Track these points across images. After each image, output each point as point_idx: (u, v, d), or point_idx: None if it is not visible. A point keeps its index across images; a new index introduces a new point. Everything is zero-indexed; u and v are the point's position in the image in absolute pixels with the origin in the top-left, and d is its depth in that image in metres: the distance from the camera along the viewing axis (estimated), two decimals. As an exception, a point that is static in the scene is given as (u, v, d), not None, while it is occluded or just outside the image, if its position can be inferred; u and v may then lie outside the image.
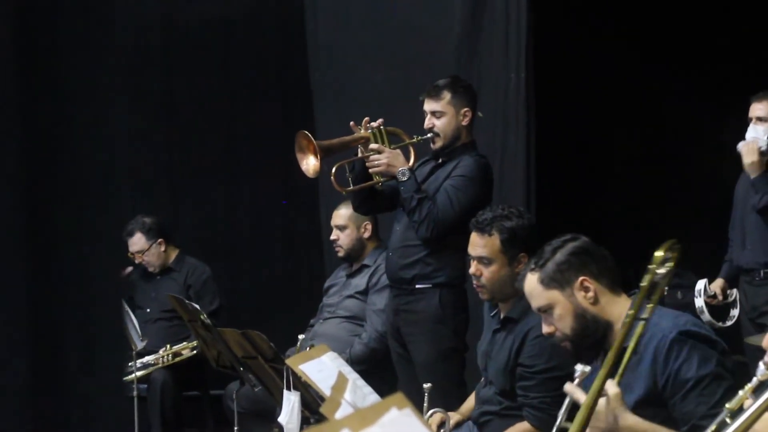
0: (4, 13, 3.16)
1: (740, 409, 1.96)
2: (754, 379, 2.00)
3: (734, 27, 6.32)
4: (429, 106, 4.31)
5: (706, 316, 4.90)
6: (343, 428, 1.18)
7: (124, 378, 5.01)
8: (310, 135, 4.19)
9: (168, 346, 5.48)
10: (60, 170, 6.51)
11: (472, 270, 3.46)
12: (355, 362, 4.32)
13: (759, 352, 4.34)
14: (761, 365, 2.03)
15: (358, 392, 2.79)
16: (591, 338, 2.65)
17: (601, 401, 2.31)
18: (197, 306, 4.46)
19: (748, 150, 4.70)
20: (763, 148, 4.69)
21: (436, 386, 3.52)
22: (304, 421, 3.07)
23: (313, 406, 3.08)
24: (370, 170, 4.22)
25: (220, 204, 6.79)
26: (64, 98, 6.74)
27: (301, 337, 4.47)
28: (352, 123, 4.31)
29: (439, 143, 4.31)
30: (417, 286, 4.27)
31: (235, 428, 4.80)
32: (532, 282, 2.71)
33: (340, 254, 5.21)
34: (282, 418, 2.97)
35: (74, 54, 6.59)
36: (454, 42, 5.50)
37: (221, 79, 6.76)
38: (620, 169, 6.60)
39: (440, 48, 5.62)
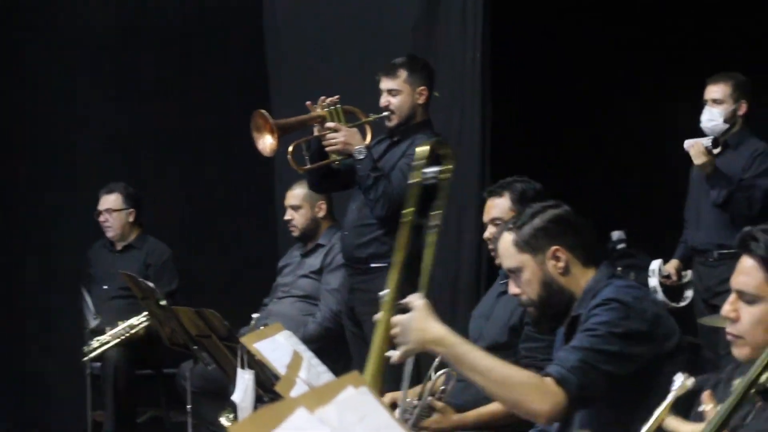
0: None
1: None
2: (670, 396, 2.00)
3: (688, 10, 6.36)
4: (385, 84, 4.30)
5: (660, 296, 4.94)
6: (298, 407, 1.18)
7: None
8: (266, 114, 4.16)
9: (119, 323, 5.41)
10: (20, 152, 6.47)
11: (486, 235, 3.46)
12: (309, 341, 4.29)
13: (712, 333, 4.42)
14: (677, 378, 2.04)
15: (313, 371, 2.79)
16: (554, 308, 2.66)
17: (408, 315, 2.39)
18: (150, 284, 4.42)
19: (695, 152, 4.72)
20: (709, 146, 4.73)
21: (390, 366, 3.51)
22: (258, 400, 3.05)
23: (267, 384, 3.06)
24: (327, 149, 4.21)
25: (176, 184, 6.72)
26: (27, 80, 6.68)
27: (255, 316, 4.46)
28: (308, 102, 4.29)
29: (394, 121, 4.30)
30: (372, 265, 4.27)
31: (188, 406, 4.78)
32: (506, 241, 2.72)
33: (295, 234, 5.20)
34: (236, 397, 2.95)
35: (36, 38, 6.53)
36: (411, 22, 5.49)
37: (179, 61, 6.69)
38: (574, 151, 6.62)
39: (397, 28, 5.61)
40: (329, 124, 4.17)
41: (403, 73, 4.27)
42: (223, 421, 3.88)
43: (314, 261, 5.10)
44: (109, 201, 5.72)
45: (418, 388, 3.23)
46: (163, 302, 4.07)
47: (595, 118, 6.77)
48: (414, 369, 3.44)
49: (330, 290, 4.89)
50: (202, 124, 6.68)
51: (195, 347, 3.88)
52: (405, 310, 2.43)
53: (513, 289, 2.74)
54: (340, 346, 4.66)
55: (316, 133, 4.26)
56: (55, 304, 6.24)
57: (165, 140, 6.64)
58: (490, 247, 3.42)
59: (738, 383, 1.75)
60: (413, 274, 4.33)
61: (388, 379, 2.75)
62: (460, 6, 5.27)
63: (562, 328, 2.69)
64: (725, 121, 4.78)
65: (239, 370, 2.94)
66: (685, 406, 2.13)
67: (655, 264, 5.09)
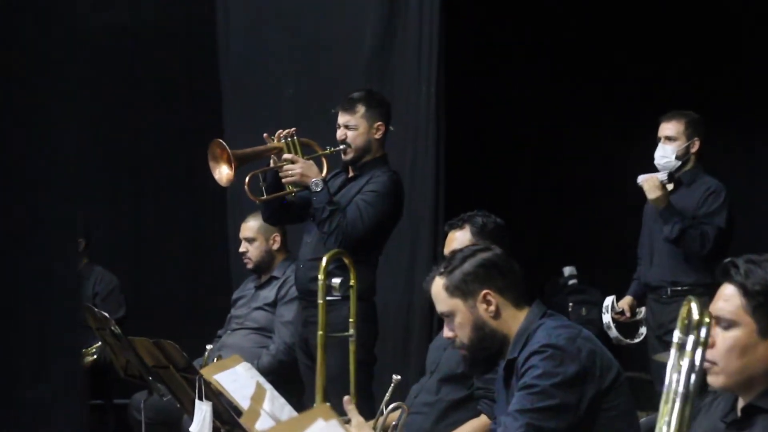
0: None
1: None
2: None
3: (643, 48, 6.47)
4: (342, 118, 4.32)
5: (614, 332, 4.98)
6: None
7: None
8: (224, 143, 4.15)
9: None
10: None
11: None
12: (262, 374, 4.29)
13: (665, 370, 4.47)
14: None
15: (276, 403, 2.78)
16: (487, 351, 2.70)
17: None
18: (105, 314, 4.37)
19: (650, 186, 4.77)
20: (665, 181, 4.79)
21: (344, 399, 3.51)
22: (215, 432, 3.03)
23: (224, 416, 3.04)
24: (283, 180, 4.20)
25: (126, 213, 6.67)
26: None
27: (208, 347, 4.43)
28: (265, 134, 4.30)
29: (350, 155, 4.32)
30: (326, 298, 4.27)
31: (141, 437, 4.73)
32: (437, 286, 2.75)
33: (249, 266, 5.18)
34: (194, 428, 2.93)
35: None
36: (366, 55, 5.53)
37: (129, 88, 6.66)
38: (528, 186, 6.70)
39: (352, 61, 5.64)
40: (286, 156, 4.17)
41: (360, 108, 4.29)
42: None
43: (268, 293, 5.08)
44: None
45: (370, 423, 3.25)
46: (118, 332, 4.02)
47: (548, 153, 6.86)
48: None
49: (284, 323, 4.87)
50: (154, 152, 6.65)
51: (150, 378, 3.84)
52: None
53: (447, 332, 2.77)
54: (293, 379, 4.64)
55: (272, 165, 4.26)
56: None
57: (116, 169, 6.58)
58: None
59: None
60: (368, 307, 4.38)
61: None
62: (416, 40, 5.32)
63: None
64: (677, 158, 4.83)
65: (197, 402, 2.92)
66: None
67: (609, 300, 5.13)
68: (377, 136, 4.33)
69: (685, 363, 1.77)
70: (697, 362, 1.74)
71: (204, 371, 2.96)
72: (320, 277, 3.47)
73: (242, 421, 2.63)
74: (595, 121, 6.54)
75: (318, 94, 5.47)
